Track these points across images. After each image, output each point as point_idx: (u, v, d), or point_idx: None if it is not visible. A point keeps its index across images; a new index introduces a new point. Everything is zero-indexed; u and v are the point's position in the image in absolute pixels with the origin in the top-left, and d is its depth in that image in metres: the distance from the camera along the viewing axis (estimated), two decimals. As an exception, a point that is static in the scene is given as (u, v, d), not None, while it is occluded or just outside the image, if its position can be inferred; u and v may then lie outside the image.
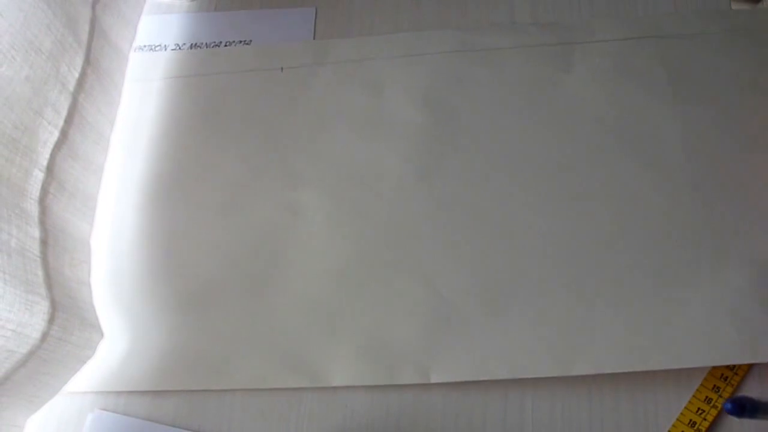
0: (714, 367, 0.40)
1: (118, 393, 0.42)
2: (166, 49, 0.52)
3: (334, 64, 0.51)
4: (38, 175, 0.38)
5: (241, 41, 0.52)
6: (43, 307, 0.35)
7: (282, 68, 0.50)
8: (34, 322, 0.35)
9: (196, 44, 0.52)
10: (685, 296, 0.41)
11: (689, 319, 0.40)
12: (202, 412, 0.41)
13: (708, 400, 0.39)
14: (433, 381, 0.40)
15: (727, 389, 0.39)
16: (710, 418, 0.38)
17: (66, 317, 0.37)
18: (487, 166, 0.46)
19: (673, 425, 0.39)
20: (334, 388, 0.41)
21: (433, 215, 0.45)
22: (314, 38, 0.52)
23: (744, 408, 0.36)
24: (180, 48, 0.52)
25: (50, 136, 0.39)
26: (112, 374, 0.42)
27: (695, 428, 0.38)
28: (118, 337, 0.43)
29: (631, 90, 0.47)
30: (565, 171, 0.45)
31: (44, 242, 0.37)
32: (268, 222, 0.46)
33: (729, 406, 0.36)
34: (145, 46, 0.53)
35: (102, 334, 0.41)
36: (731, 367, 0.40)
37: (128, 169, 0.48)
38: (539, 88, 0.48)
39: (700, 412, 0.39)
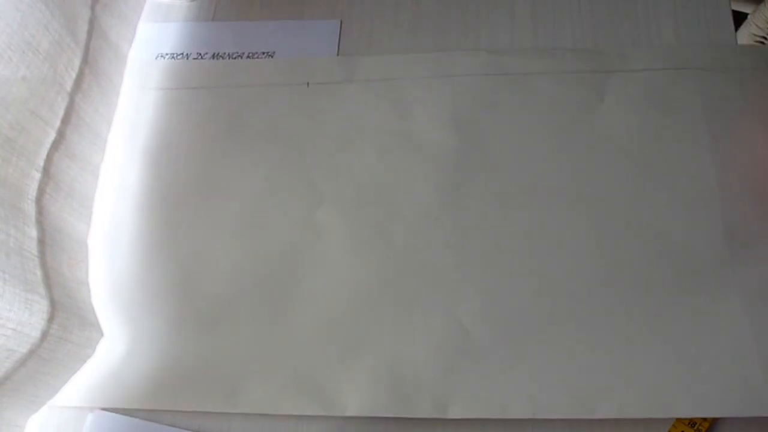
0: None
1: (118, 388, 0.41)
2: (188, 58, 0.52)
3: (362, 82, 0.49)
4: (35, 176, 0.38)
5: (264, 53, 0.52)
6: (42, 306, 0.36)
7: (308, 83, 0.50)
8: (34, 321, 0.35)
9: (218, 54, 0.52)
10: (713, 341, 0.40)
11: (718, 365, 0.39)
12: (202, 412, 0.41)
13: (708, 400, 0.39)
14: (450, 416, 0.39)
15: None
16: (710, 418, 0.38)
17: (66, 316, 0.37)
18: (514, 194, 0.45)
19: (673, 425, 0.38)
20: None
21: (456, 242, 0.44)
22: (338, 51, 0.51)
23: None
24: (202, 57, 0.52)
25: (47, 136, 0.39)
26: (110, 390, 0.41)
27: (695, 428, 0.38)
28: (117, 350, 0.42)
29: (666, 123, 0.46)
30: (593, 203, 0.44)
31: (42, 242, 0.37)
32: (286, 240, 0.45)
33: None
34: (166, 54, 0.52)
35: (102, 333, 0.41)
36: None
37: (141, 177, 0.47)
38: (571, 116, 0.47)
39: (700, 411, 0.38)
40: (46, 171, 0.39)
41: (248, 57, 0.52)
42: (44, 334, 0.36)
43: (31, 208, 0.37)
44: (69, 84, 0.41)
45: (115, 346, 0.42)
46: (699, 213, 0.43)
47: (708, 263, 0.42)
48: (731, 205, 0.43)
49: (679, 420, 0.38)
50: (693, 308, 0.40)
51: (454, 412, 0.39)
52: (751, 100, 0.46)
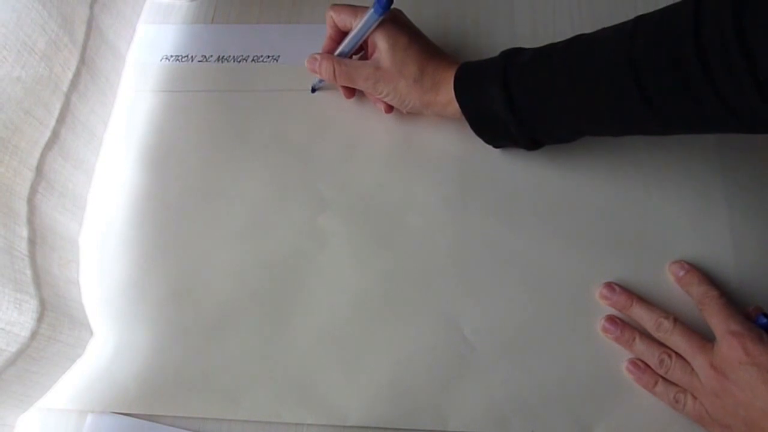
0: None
1: (119, 393, 0.41)
2: (192, 60, 0.52)
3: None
4: (27, 175, 0.38)
5: (269, 56, 0.51)
6: (31, 306, 0.36)
7: (313, 89, 0.49)
8: (23, 320, 0.35)
9: (223, 57, 0.52)
10: None
11: None
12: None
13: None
14: (450, 429, 0.39)
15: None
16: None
17: (55, 316, 0.37)
18: (521, 207, 0.44)
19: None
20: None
21: (460, 252, 0.43)
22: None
23: None
24: (207, 60, 0.52)
25: (41, 135, 0.39)
26: (109, 394, 0.41)
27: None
28: (117, 354, 0.42)
29: (675, 146, 0.45)
30: (602, 218, 0.44)
31: (32, 241, 0.37)
32: (289, 247, 0.44)
33: (764, 320, 0.36)
34: (171, 56, 0.52)
35: (91, 333, 0.41)
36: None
37: (142, 178, 0.47)
38: None
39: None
40: (39, 170, 0.39)
41: (253, 61, 0.51)
42: (33, 334, 0.36)
43: (22, 208, 0.37)
44: (65, 84, 0.41)
45: (115, 350, 0.42)
46: (709, 232, 0.43)
47: (717, 280, 0.41)
48: (741, 223, 0.43)
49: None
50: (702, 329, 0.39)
51: (455, 425, 0.39)
52: None
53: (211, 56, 0.52)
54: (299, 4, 0.53)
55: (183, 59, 0.52)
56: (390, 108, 0.47)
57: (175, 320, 0.43)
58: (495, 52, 0.42)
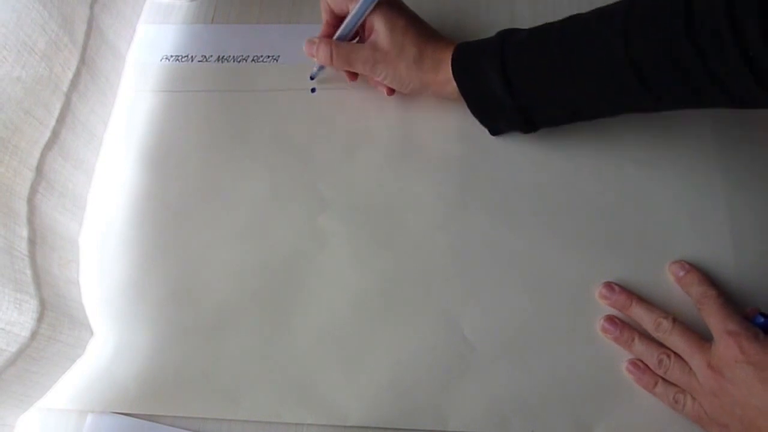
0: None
1: (119, 393, 0.41)
2: (192, 60, 0.52)
3: (367, 89, 0.49)
4: (28, 175, 0.38)
5: (269, 56, 0.51)
6: (32, 306, 0.36)
7: (313, 89, 0.50)
8: (23, 320, 0.35)
9: (223, 57, 0.52)
10: None
11: None
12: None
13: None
14: (450, 429, 0.39)
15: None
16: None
17: (55, 316, 0.37)
18: (521, 207, 0.44)
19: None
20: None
21: (460, 252, 0.43)
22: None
23: None
24: (207, 60, 0.52)
25: (41, 135, 0.39)
26: (105, 395, 0.41)
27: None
28: (118, 354, 0.42)
29: (674, 134, 0.45)
30: (602, 218, 0.44)
31: (32, 241, 0.37)
32: (289, 247, 0.44)
33: (761, 320, 0.36)
34: (171, 56, 0.52)
35: (92, 333, 0.41)
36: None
37: (142, 179, 0.47)
38: (581, 127, 0.45)
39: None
40: (39, 170, 0.39)
41: (253, 61, 0.51)
42: (33, 334, 0.36)
43: (22, 208, 0.37)
44: (65, 84, 0.41)
45: (115, 350, 0.42)
46: (709, 232, 0.43)
47: (717, 279, 0.41)
48: (741, 223, 0.43)
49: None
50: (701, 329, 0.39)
51: (455, 425, 0.39)
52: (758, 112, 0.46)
53: (211, 56, 0.52)
54: (299, 4, 0.54)
55: (183, 59, 0.52)
56: (392, 91, 0.47)
57: (175, 320, 0.43)
58: (493, 34, 0.42)
